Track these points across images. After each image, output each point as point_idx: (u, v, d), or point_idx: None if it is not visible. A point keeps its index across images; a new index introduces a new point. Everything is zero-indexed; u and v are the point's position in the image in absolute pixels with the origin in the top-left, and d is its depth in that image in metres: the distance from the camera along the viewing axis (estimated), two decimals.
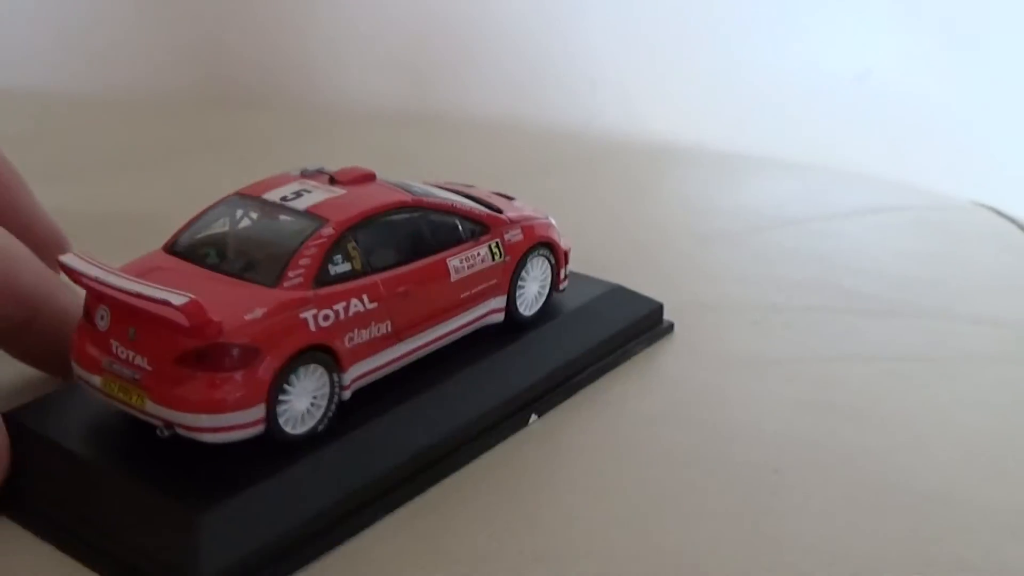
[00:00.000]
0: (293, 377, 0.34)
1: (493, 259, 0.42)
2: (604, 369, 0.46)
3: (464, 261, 0.41)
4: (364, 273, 0.37)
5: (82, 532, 0.33)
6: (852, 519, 0.37)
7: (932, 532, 0.36)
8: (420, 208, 0.40)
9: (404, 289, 0.38)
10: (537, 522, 0.36)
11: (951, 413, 0.44)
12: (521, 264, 0.44)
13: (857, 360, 0.49)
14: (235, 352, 0.33)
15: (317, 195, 0.38)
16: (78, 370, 0.35)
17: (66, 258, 0.34)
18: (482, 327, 0.43)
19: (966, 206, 0.75)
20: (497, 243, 0.42)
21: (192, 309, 0.31)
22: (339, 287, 0.36)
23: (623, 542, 0.35)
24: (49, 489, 0.34)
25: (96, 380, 0.35)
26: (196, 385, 0.33)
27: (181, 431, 0.33)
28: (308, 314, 0.35)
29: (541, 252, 0.44)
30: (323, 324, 0.35)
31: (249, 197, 0.38)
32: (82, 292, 0.35)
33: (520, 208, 0.45)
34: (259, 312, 0.33)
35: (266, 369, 0.33)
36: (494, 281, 0.42)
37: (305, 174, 0.40)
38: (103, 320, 0.34)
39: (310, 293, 0.35)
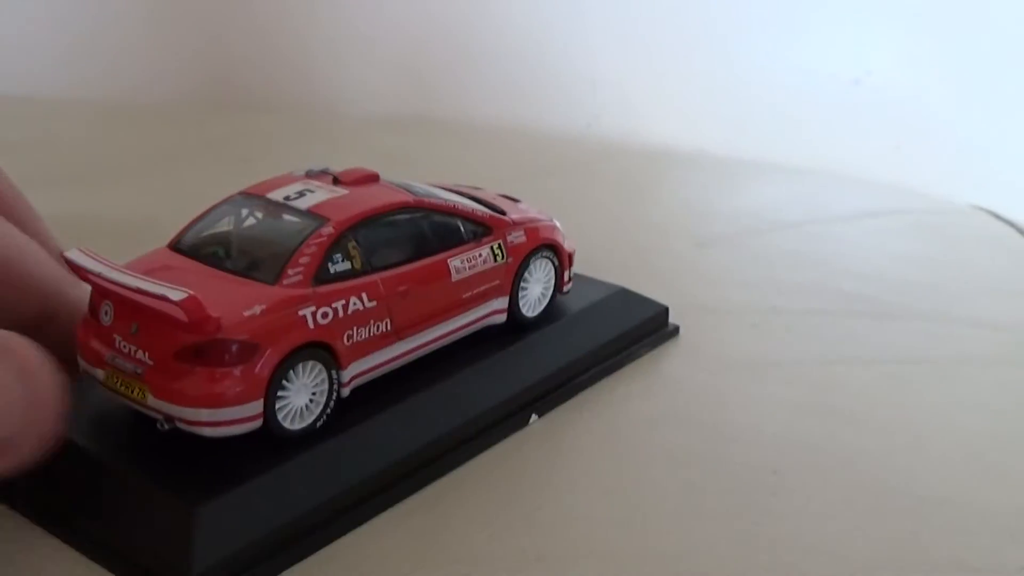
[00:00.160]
0: (292, 373, 0.35)
1: (495, 260, 0.42)
2: (607, 371, 0.46)
3: (465, 262, 0.41)
4: (364, 272, 0.37)
5: (81, 522, 0.34)
6: (851, 520, 0.37)
7: (931, 534, 0.36)
8: (422, 209, 0.40)
9: (404, 288, 0.38)
10: (537, 522, 0.36)
11: (950, 415, 0.45)
12: (524, 265, 0.44)
13: (857, 363, 0.49)
14: (234, 348, 0.33)
15: (320, 195, 0.39)
16: (83, 364, 0.36)
17: (71, 253, 0.34)
18: (484, 327, 0.43)
19: (965, 209, 0.75)
20: (499, 244, 0.43)
21: (190, 305, 0.32)
22: (338, 285, 0.36)
23: (623, 542, 0.35)
24: (50, 479, 0.35)
25: (99, 374, 0.35)
26: (195, 380, 0.33)
27: (181, 425, 0.34)
28: (307, 311, 0.35)
29: (544, 254, 0.45)
30: (322, 322, 0.35)
31: (253, 196, 0.39)
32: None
33: (525, 210, 0.46)
34: (258, 309, 0.34)
35: (264, 365, 0.34)
36: (496, 282, 0.43)
37: (310, 174, 0.41)
38: (107, 315, 0.35)
39: (309, 291, 0.35)
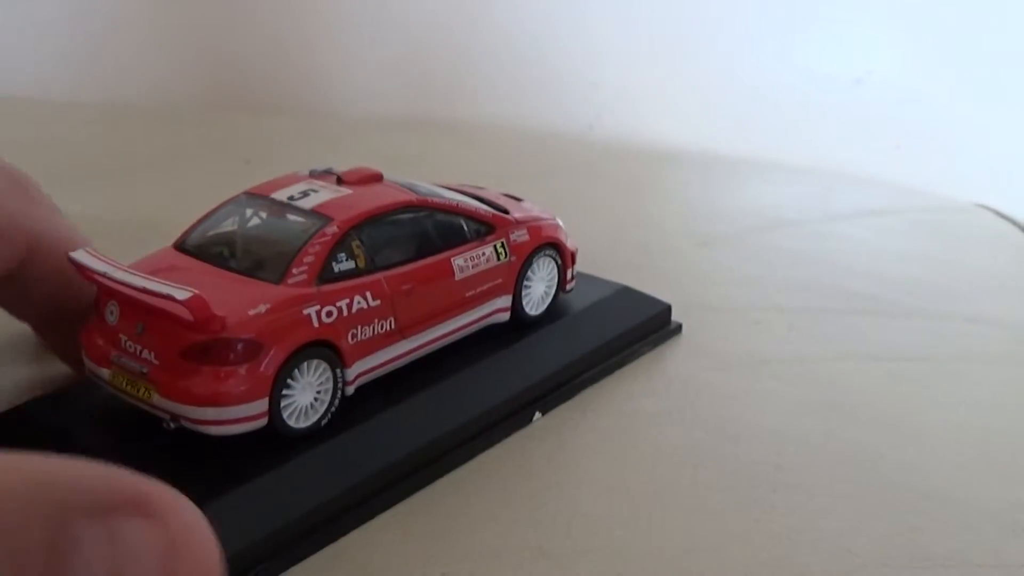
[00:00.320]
0: (296, 372, 0.35)
1: (498, 259, 0.43)
2: (610, 369, 0.46)
3: (469, 260, 0.41)
4: (368, 271, 0.37)
5: None
6: (853, 516, 0.37)
7: (933, 529, 0.37)
8: (425, 208, 0.40)
9: (408, 287, 0.39)
10: (542, 518, 0.36)
11: (952, 412, 0.45)
12: (527, 264, 0.44)
13: (859, 360, 0.49)
14: (239, 346, 0.33)
15: (324, 194, 0.39)
16: (88, 364, 0.36)
17: (76, 254, 0.34)
18: (488, 326, 0.43)
19: (967, 208, 0.75)
20: (502, 243, 0.43)
21: (196, 304, 0.32)
22: (343, 284, 0.36)
23: (626, 538, 0.35)
24: None
25: (105, 373, 0.35)
26: (201, 379, 0.33)
27: (186, 424, 0.34)
28: (311, 310, 0.35)
29: (547, 253, 0.45)
30: (326, 320, 0.36)
31: (257, 196, 0.39)
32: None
33: (528, 209, 0.46)
34: (263, 308, 0.34)
35: (269, 364, 0.34)
36: (499, 280, 0.43)
37: (313, 174, 0.41)
38: (112, 315, 0.35)
39: (314, 290, 0.36)
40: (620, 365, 0.47)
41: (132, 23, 0.98)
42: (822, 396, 0.45)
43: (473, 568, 0.34)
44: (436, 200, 0.41)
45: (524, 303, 0.44)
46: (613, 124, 0.91)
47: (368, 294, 0.37)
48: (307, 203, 0.38)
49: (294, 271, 0.35)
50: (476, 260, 0.41)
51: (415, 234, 0.40)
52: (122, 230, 0.41)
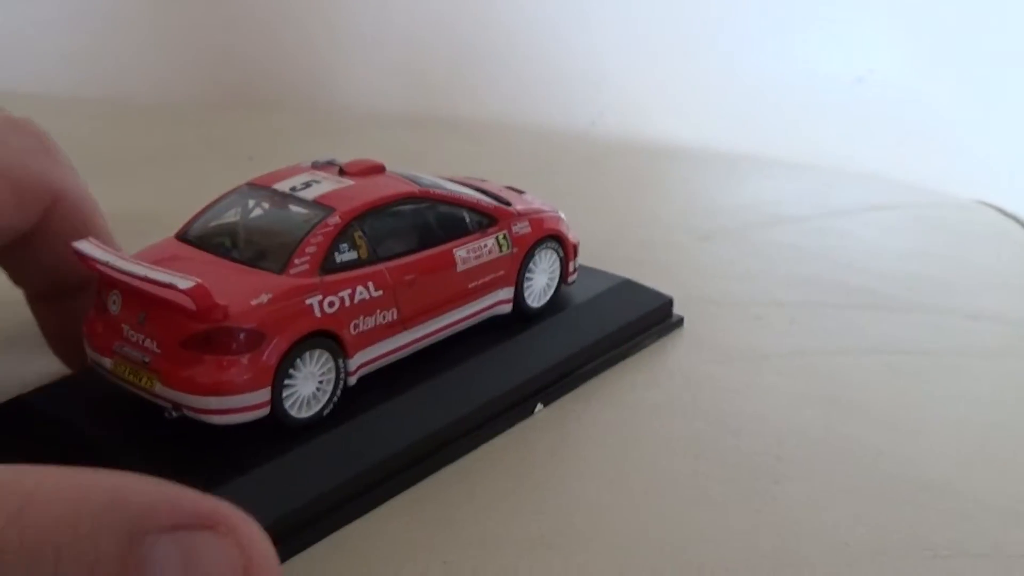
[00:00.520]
0: (299, 362, 0.35)
1: (500, 250, 0.43)
2: (612, 361, 0.46)
3: (471, 252, 0.41)
4: (370, 261, 0.38)
5: None
6: (854, 508, 0.37)
7: (933, 521, 0.37)
8: (427, 199, 0.40)
9: (410, 278, 0.39)
10: (544, 508, 0.36)
11: (951, 406, 0.45)
12: (529, 256, 0.44)
13: (859, 354, 0.49)
14: (241, 336, 0.33)
15: (326, 185, 0.39)
16: (91, 353, 0.36)
17: (79, 244, 0.34)
18: (490, 317, 0.43)
19: (969, 204, 0.75)
20: (504, 235, 0.43)
21: (198, 293, 0.32)
22: (345, 275, 0.37)
23: (629, 528, 0.36)
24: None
25: (107, 363, 0.35)
26: (203, 368, 0.33)
27: (188, 413, 0.34)
28: (314, 300, 0.35)
29: (549, 245, 0.45)
30: (328, 310, 0.36)
31: (259, 187, 0.39)
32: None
33: (530, 201, 0.46)
34: (265, 297, 0.34)
35: (271, 353, 0.34)
36: (501, 272, 0.43)
37: (316, 166, 0.41)
38: (115, 305, 0.35)
39: (316, 280, 0.36)
40: (622, 357, 0.47)
41: (134, 20, 0.98)
42: (823, 390, 0.45)
43: (475, 557, 0.34)
44: (438, 191, 0.41)
45: (526, 295, 0.45)
46: (615, 121, 0.91)
47: (370, 284, 0.37)
48: (309, 194, 0.38)
49: (296, 261, 0.36)
50: (478, 252, 0.42)
51: (417, 225, 0.40)
52: (124, 224, 0.41)
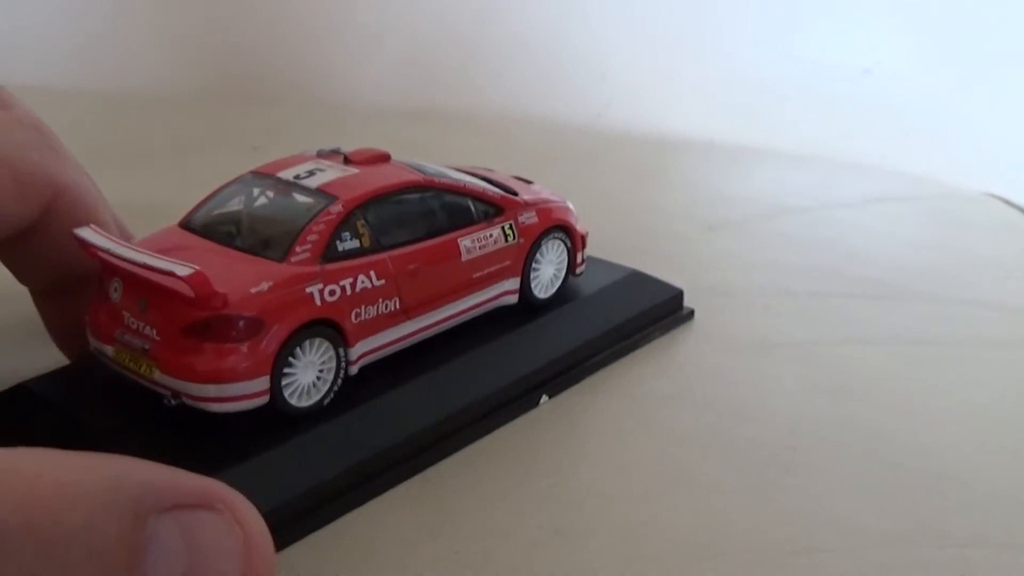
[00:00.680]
0: (298, 350, 0.35)
1: (506, 240, 0.42)
2: (620, 353, 0.46)
3: (476, 242, 0.41)
4: (372, 250, 0.37)
5: None
6: (865, 497, 0.37)
7: (945, 510, 0.36)
8: (431, 188, 0.40)
9: (413, 267, 0.38)
10: (554, 497, 0.36)
11: (961, 395, 0.45)
12: (536, 246, 0.44)
13: (867, 344, 0.49)
14: (240, 323, 0.33)
15: (330, 174, 0.39)
16: (93, 341, 0.36)
17: (80, 231, 0.34)
18: (496, 308, 0.43)
19: (977, 196, 0.75)
20: (511, 225, 0.43)
21: (197, 280, 0.32)
22: (346, 263, 0.36)
23: (639, 517, 0.35)
24: None
25: (109, 350, 0.35)
26: (202, 355, 0.33)
27: (187, 401, 0.34)
28: (314, 289, 0.35)
29: (557, 235, 0.45)
30: (329, 299, 0.36)
31: (264, 175, 0.39)
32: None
33: (538, 192, 0.46)
34: (265, 285, 0.34)
35: (271, 341, 0.34)
36: (507, 262, 0.43)
37: (321, 154, 0.41)
38: (116, 292, 0.35)
39: (317, 268, 0.35)
40: (631, 349, 0.46)
41: (138, 13, 0.98)
42: (832, 380, 0.45)
43: (486, 545, 0.34)
44: (443, 181, 0.41)
45: (533, 286, 0.44)
46: (621, 113, 0.91)
47: (372, 273, 0.37)
48: (313, 182, 0.38)
49: (297, 249, 0.35)
50: (483, 241, 0.41)
51: (421, 214, 0.40)
52: (129, 215, 0.41)
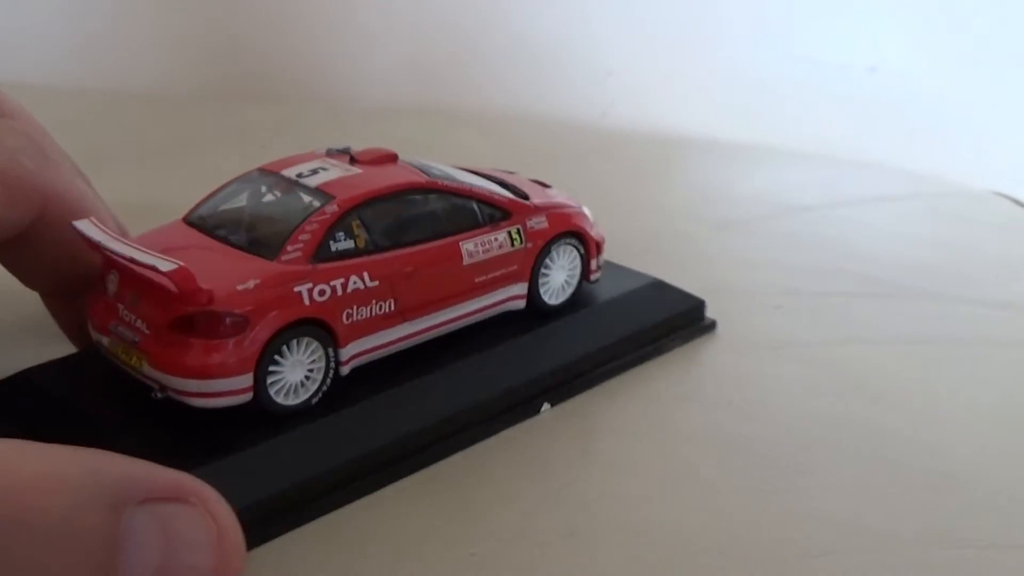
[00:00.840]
0: (285, 349, 0.35)
1: (512, 245, 0.42)
2: (633, 363, 0.45)
3: (479, 245, 0.40)
4: (367, 251, 0.37)
5: None
6: (879, 498, 0.37)
7: (956, 510, 0.36)
8: (434, 190, 0.40)
9: (410, 269, 0.38)
10: (567, 498, 0.36)
11: (973, 395, 0.45)
12: (545, 252, 0.43)
13: (874, 343, 0.49)
14: (225, 320, 0.34)
15: (332, 173, 0.39)
16: (92, 331, 0.37)
17: (78, 223, 0.35)
18: (503, 313, 0.43)
19: (983, 194, 0.74)
20: (518, 229, 0.42)
21: (179, 275, 0.32)
22: (339, 263, 0.36)
23: (652, 519, 0.35)
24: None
25: (105, 341, 0.36)
26: (186, 350, 0.34)
27: (172, 394, 0.34)
28: (303, 288, 0.35)
29: (568, 241, 0.44)
30: (319, 299, 0.36)
31: (268, 172, 0.39)
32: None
33: (553, 196, 0.45)
34: (252, 283, 0.34)
35: (255, 339, 0.34)
36: (514, 267, 0.42)
37: (330, 153, 0.41)
38: (112, 285, 0.36)
39: (307, 268, 0.35)
40: (645, 359, 0.45)
41: (141, 11, 0.99)
42: (844, 379, 0.45)
43: (499, 547, 0.34)
44: (446, 183, 0.40)
45: (542, 291, 0.44)
46: (627, 111, 0.90)
47: (365, 274, 0.37)
48: (313, 181, 0.38)
49: (289, 248, 0.35)
50: (487, 245, 0.41)
51: (422, 216, 0.39)
52: (129, 214, 0.42)
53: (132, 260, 0.33)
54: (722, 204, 0.69)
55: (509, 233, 0.42)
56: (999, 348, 0.49)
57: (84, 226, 0.35)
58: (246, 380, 0.34)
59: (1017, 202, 0.71)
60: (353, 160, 0.40)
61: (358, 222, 0.37)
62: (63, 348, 0.41)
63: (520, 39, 0.95)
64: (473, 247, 0.40)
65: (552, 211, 0.43)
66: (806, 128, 0.84)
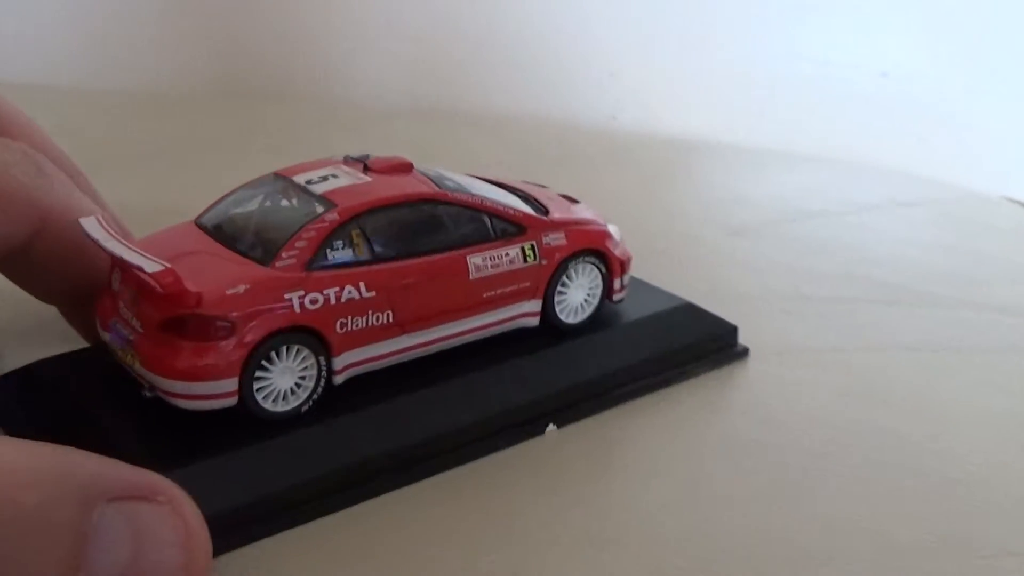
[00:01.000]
0: (274, 355, 0.35)
1: (525, 261, 0.41)
2: (654, 387, 0.43)
3: (488, 260, 0.40)
4: (366, 261, 0.37)
5: None
6: (896, 504, 0.37)
7: (975, 518, 0.36)
8: (443, 202, 0.39)
9: (410, 281, 0.38)
10: (595, 507, 0.36)
11: (986, 401, 0.44)
12: (562, 269, 0.42)
13: (887, 350, 0.49)
14: (210, 323, 0.34)
15: (342, 181, 0.39)
16: (98, 327, 0.38)
17: (83, 220, 0.36)
18: (516, 329, 0.42)
19: (995, 200, 0.74)
20: (532, 245, 0.41)
21: (164, 278, 0.33)
22: (334, 272, 0.36)
23: (674, 525, 0.35)
24: (48, 434, 0.37)
25: (106, 337, 0.37)
26: (173, 352, 0.34)
27: (160, 394, 0.35)
28: (294, 296, 0.35)
29: (588, 259, 0.43)
30: (310, 307, 0.35)
31: (281, 177, 0.40)
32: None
33: (577, 212, 0.44)
34: (241, 288, 0.34)
35: (241, 344, 0.34)
36: (527, 284, 0.41)
37: (347, 160, 0.41)
38: (116, 282, 0.37)
39: (301, 275, 0.35)
40: (667, 384, 0.44)
41: (146, 10, 0.99)
42: (857, 385, 0.45)
43: (525, 552, 0.34)
44: (455, 195, 0.40)
45: (558, 310, 0.43)
46: (636, 114, 0.89)
47: (362, 285, 0.37)
48: (320, 188, 0.38)
49: (283, 255, 0.35)
50: (497, 260, 0.40)
51: (428, 228, 0.39)
52: (131, 214, 0.43)
53: (122, 260, 0.33)
54: (732, 208, 0.69)
55: (522, 248, 0.41)
56: (1012, 354, 0.49)
57: (88, 223, 0.36)
58: (231, 384, 0.34)
59: None
60: (366, 168, 0.40)
61: (358, 231, 0.37)
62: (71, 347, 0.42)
63: (528, 41, 0.95)
64: (481, 261, 0.40)
65: (572, 227, 0.42)
66: (817, 132, 0.83)
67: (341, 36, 0.99)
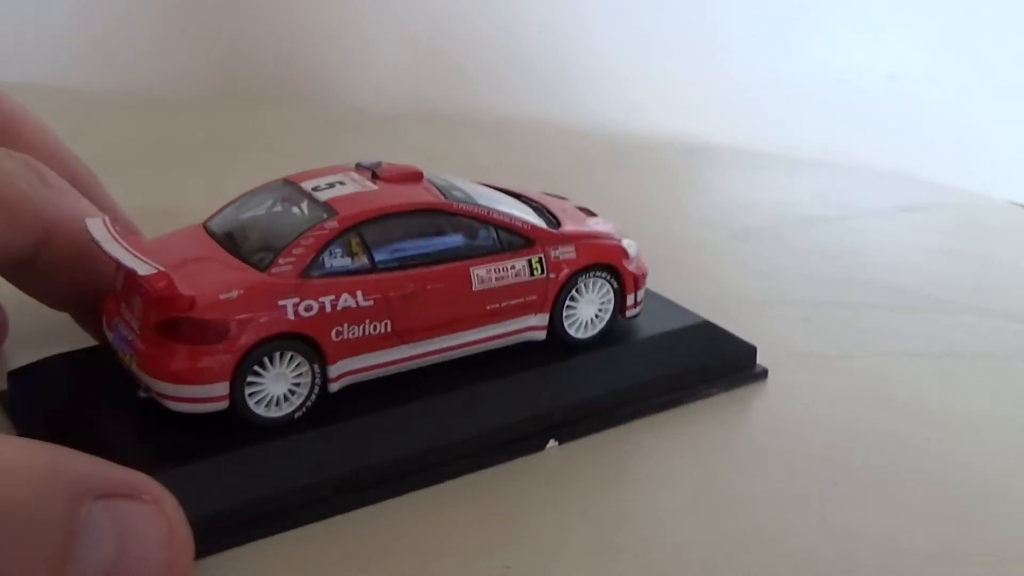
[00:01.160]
0: (267, 361, 0.35)
1: (532, 274, 0.40)
2: (664, 406, 0.42)
3: (492, 272, 0.39)
4: (365, 270, 0.37)
5: None
6: (912, 511, 0.37)
7: (992, 525, 0.36)
8: (447, 213, 0.39)
9: (409, 291, 0.37)
10: (602, 514, 0.36)
11: (1001, 407, 0.45)
12: (571, 283, 0.41)
13: (899, 356, 0.49)
14: (203, 327, 0.34)
15: (348, 188, 0.39)
16: (103, 327, 0.38)
17: (89, 221, 0.36)
18: (525, 344, 0.41)
19: (1003, 205, 0.75)
20: (540, 258, 0.41)
21: (159, 281, 0.33)
22: (330, 280, 0.36)
23: (688, 533, 0.35)
24: (47, 430, 0.37)
25: (110, 336, 0.37)
26: (166, 354, 0.34)
27: (153, 395, 0.35)
28: (288, 302, 0.35)
29: (599, 274, 0.42)
30: (304, 314, 0.35)
31: (289, 183, 0.40)
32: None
33: (591, 225, 0.43)
34: (235, 293, 0.34)
35: (232, 348, 0.34)
36: (533, 297, 0.41)
37: (358, 168, 0.41)
38: (120, 283, 0.37)
39: (296, 282, 0.35)
40: (678, 403, 0.43)
41: (151, 13, 1.00)
42: (872, 391, 0.45)
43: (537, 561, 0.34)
44: (460, 206, 0.39)
45: (567, 324, 0.42)
46: (645, 119, 0.88)
47: (359, 293, 0.36)
48: (324, 195, 0.38)
49: (280, 261, 0.36)
50: (502, 272, 0.40)
51: (432, 238, 0.39)
52: (138, 217, 0.43)
53: (117, 262, 0.34)
54: (738, 213, 0.69)
55: (529, 261, 0.40)
56: (1018, 360, 0.49)
57: (94, 225, 0.36)
58: (222, 388, 0.34)
59: None
60: (375, 176, 0.40)
61: (358, 240, 0.37)
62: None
63: (537, 45, 0.94)
64: (485, 273, 0.39)
65: (583, 241, 0.42)
66: (824, 137, 0.83)
67: (345, 40, 0.99)
